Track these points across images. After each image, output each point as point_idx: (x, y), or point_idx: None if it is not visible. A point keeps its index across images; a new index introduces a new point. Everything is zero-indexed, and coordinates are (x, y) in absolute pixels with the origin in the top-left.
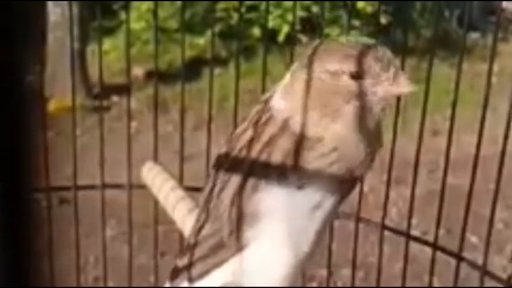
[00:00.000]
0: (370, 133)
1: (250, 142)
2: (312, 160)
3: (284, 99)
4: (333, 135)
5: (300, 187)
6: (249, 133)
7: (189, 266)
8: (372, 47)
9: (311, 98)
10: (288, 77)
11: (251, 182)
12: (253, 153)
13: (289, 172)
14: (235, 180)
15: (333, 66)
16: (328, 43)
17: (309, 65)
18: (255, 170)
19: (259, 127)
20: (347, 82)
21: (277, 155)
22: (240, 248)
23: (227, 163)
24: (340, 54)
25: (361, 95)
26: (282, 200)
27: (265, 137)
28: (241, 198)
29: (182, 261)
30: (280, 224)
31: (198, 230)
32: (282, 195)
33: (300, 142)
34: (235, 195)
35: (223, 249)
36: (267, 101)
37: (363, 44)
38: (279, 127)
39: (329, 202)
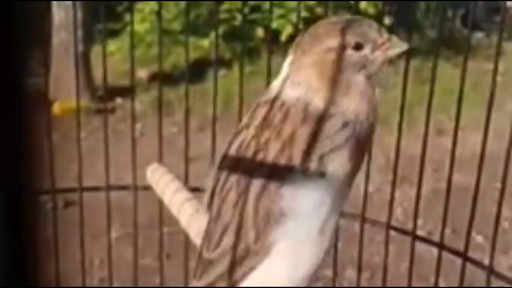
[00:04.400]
0: (372, 102)
1: (266, 143)
2: (329, 137)
3: (297, 89)
4: (347, 109)
5: (322, 175)
6: (265, 136)
7: (213, 284)
8: (359, 19)
9: (322, 77)
10: (286, 70)
11: (273, 182)
12: (272, 153)
13: (311, 162)
14: (255, 185)
15: (334, 42)
16: (318, 26)
17: (309, 49)
18: (276, 170)
19: (275, 126)
20: (351, 53)
21: (299, 147)
22: (267, 251)
23: (240, 171)
24: (337, 30)
25: (364, 64)
26: (306, 192)
27: (285, 133)
28: (265, 201)
29: (203, 281)
30: (308, 217)
31: (216, 244)
32: (306, 188)
33: (320, 123)
34: (257, 199)
35: (250, 257)
36: (273, 101)
37: (350, 18)
38: (301, 117)
39: (347, 183)
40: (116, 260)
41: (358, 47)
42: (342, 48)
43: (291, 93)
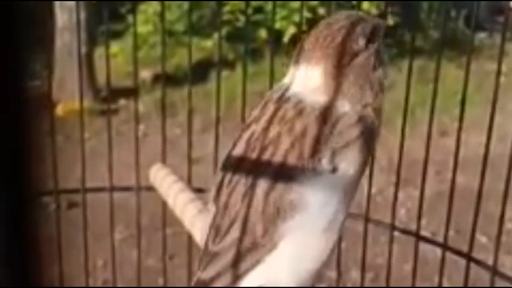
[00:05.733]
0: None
1: (278, 137)
2: (342, 132)
3: (321, 88)
4: (367, 105)
5: (332, 170)
6: (276, 130)
7: (218, 276)
8: (364, 16)
9: (342, 74)
10: (296, 71)
11: (284, 177)
12: (283, 147)
13: (322, 158)
14: (264, 179)
15: (351, 36)
16: (329, 24)
17: (327, 47)
18: (286, 165)
19: (287, 121)
20: (370, 47)
21: (311, 143)
22: (274, 245)
23: (249, 165)
24: (351, 26)
25: (380, 58)
26: (316, 188)
27: (298, 128)
28: (274, 195)
29: (208, 273)
30: (317, 212)
31: (222, 236)
32: (315, 184)
33: (335, 119)
34: (267, 193)
35: (257, 250)
36: (284, 98)
37: (356, 14)
38: (316, 114)
39: (356, 180)
40: (120, 261)
41: (372, 40)
42: (366, 41)
43: (305, 92)
